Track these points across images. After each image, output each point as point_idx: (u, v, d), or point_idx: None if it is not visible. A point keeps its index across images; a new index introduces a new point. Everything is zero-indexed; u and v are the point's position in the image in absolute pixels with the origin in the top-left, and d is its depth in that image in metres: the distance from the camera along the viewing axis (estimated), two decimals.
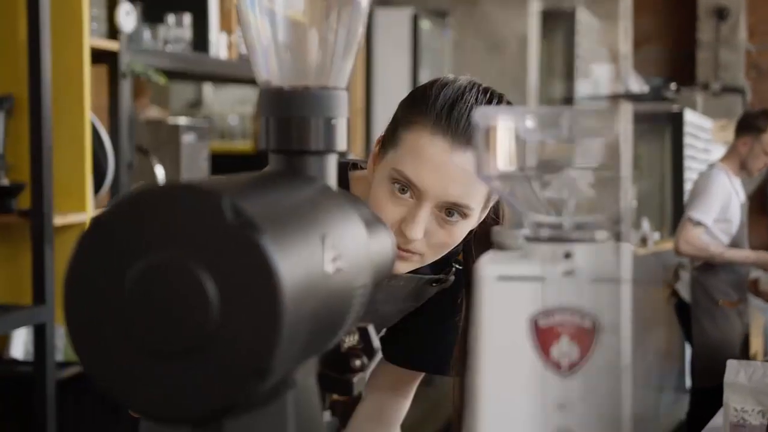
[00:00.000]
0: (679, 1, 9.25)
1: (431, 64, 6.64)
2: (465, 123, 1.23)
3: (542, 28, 6.33)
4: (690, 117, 7.02)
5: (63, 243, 2.44)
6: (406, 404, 1.50)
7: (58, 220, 2.43)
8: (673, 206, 7.08)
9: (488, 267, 0.69)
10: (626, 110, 0.70)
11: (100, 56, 2.66)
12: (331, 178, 0.82)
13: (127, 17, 2.67)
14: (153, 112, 3.73)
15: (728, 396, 1.89)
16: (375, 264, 0.80)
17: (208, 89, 5.87)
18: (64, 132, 2.49)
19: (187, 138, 3.02)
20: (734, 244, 4.28)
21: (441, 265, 1.39)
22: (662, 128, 6.85)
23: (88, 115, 2.52)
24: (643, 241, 5.93)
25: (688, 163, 6.95)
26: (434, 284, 1.41)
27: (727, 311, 4.31)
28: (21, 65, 2.42)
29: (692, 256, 4.29)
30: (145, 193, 0.62)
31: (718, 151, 8.17)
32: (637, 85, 5.62)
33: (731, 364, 1.96)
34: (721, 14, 9.15)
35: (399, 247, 1.25)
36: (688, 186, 6.95)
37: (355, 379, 0.84)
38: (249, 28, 0.83)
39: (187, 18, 3.07)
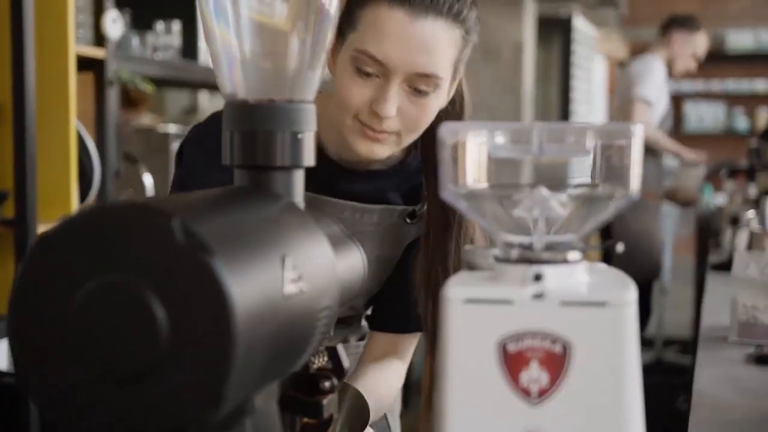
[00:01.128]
0: None
1: None
2: None
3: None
4: (579, 24, 7.10)
5: None
6: (404, 369, 1.46)
7: (43, 229, 2.39)
8: (560, 113, 7.20)
9: (455, 289, 0.67)
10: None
11: (86, 63, 2.63)
12: (298, 194, 0.79)
13: (114, 24, 2.65)
14: (146, 119, 3.70)
15: (737, 291, 1.71)
16: (342, 284, 0.77)
17: (203, 96, 5.85)
18: (49, 140, 2.46)
19: (178, 146, 2.99)
20: None
21: (413, 200, 1.38)
22: (551, 32, 6.95)
23: (74, 123, 2.49)
24: None
25: (572, 70, 7.10)
26: (408, 220, 1.38)
27: (648, 204, 4.35)
28: (5, 72, 2.39)
29: (658, 147, 4.37)
30: (95, 212, 0.60)
31: (599, 62, 8.39)
32: None
33: (740, 256, 1.78)
34: None
35: (373, 129, 1.24)
36: (575, 94, 7.12)
37: (325, 401, 0.81)
38: (214, 40, 0.80)
39: (176, 25, 3.05)
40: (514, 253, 0.68)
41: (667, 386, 4.47)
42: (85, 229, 0.59)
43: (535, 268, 0.66)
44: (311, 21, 0.81)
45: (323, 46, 0.81)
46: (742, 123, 9.99)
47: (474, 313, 0.66)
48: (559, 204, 0.67)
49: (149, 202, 0.60)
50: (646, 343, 5.33)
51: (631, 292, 0.65)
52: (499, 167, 0.67)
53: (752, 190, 4.09)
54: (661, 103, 4.45)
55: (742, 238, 2.88)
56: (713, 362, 1.63)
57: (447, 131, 0.68)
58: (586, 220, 0.68)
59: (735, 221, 3.17)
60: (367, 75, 1.22)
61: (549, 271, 0.66)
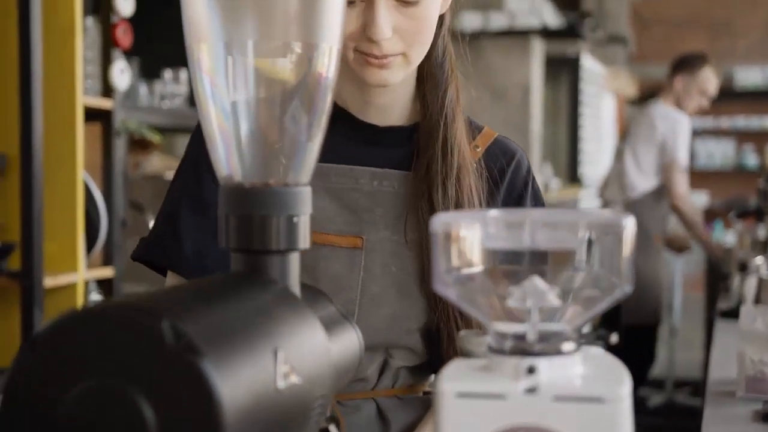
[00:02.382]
0: None
1: None
2: None
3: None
4: (586, 63, 7.13)
5: (54, 305, 2.41)
6: None
7: (49, 282, 2.40)
8: (569, 152, 7.20)
9: (448, 383, 0.66)
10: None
11: (94, 114, 2.65)
12: (293, 278, 0.79)
13: (122, 75, 2.67)
14: (156, 161, 3.71)
15: (743, 346, 1.68)
16: (337, 369, 0.77)
17: None
18: (57, 191, 2.47)
19: None
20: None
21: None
22: (559, 71, 6.98)
23: (81, 175, 2.50)
24: (545, 187, 6.07)
25: (581, 109, 7.14)
26: None
27: (658, 248, 4.37)
28: (13, 124, 2.40)
29: (686, 220, 4.44)
30: (84, 314, 0.60)
31: (608, 99, 8.47)
32: (552, 18, 5.68)
33: (746, 310, 1.74)
34: None
35: (375, 56, 1.18)
36: (583, 133, 7.14)
37: None
38: (209, 122, 0.80)
39: (183, 73, 3.07)
40: (508, 344, 0.68)
41: (679, 429, 4.44)
42: (75, 331, 0.59)
43: (528, 361, 0.66)
44: (307, 96, 0.81)
45: (322, 115, 0.81)
46: (751, 159, 9.99)
47: (467, 407, 0.65)
48: (552, 294, 0.67)
49: (140, 300, 0.60)
50: (656, 384, 5.29)
51: (625, 386, 0.65)
52: (493, 255, 0.67)
53: (761, 232, 4.08)
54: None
55: (751, 285, 2.86)
56: (721, 419, 1.62)
57: (439, 223, 0.68)
58: (579, 311, 0.68)
59: (743, 267, 3.15)
60: (351, 2, 1.17)
61: (542, 363, 0.66)
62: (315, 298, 0.82)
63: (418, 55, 1.22)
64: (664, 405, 5.15)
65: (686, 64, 4.59)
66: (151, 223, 2.82)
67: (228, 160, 0.80)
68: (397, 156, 1.31)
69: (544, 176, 6.35)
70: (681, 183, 4.38)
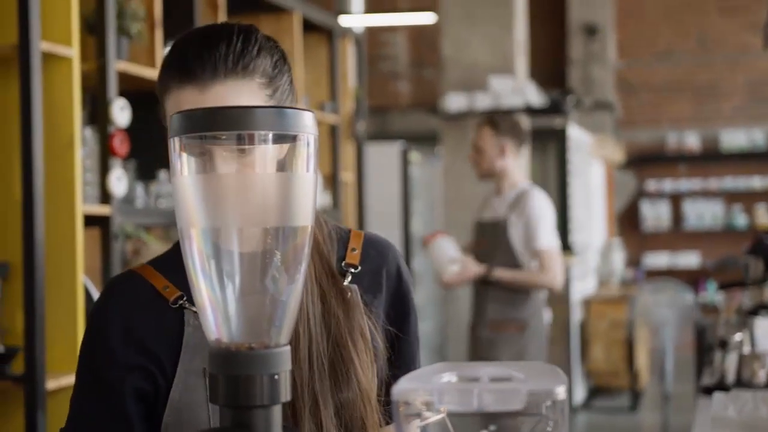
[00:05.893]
0: (548, 18, 9.58)
1: (422, 191, 6.80)
2: (206, 57, 1.20)
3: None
4: (573, 133, 7.28)
5: (56, 407, 2.50)
6: None
7: (51, 384, 2.49)
8: (560, 219, 7.31)
9: None
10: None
11: (93, 220, 2.77)
12: (276, 429, 0.89)
13: (119, 182, 2.79)
14: (154, 249, 3.80)
15: None
16: None
17: None
18: (58, 296, 2.57)
19: None
20: None
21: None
22: (546, 142, 7.12)
23: (81, 279, 2.61)
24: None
25: (569, 178, 7.27)
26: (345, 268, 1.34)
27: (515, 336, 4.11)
28: (15, 232, 2.52)
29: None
30: None
31: (597, 166, 8.62)
32: (536, 97, 5.81)
33: (718, 397, 1.79)
34: (590, 31, 9.50)
35: None
36: (572, 201, 7.26)
37: None
38: (200, 293, 0.91)
39: None
40: None
41: None
42: None
43: None
44: (286, 266, 0.92)
45: (298, 282, 0.92)
46: (741, 219, 10.14)
47: None
48: None
49: None
50: None
51: None
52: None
53: (746, 300, 4.16)
54: None
55: (732, 361, 2.94)
56: None
57: (397, 392, 0.78)
58: None
59: (724, 344, 3.24)
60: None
61: None
62: None
63: None
64: None
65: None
66: None
67: (216, 327, 0.91)
68: None
69: None
70: (557, 263, 4.09)
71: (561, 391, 0.77)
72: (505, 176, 4.04)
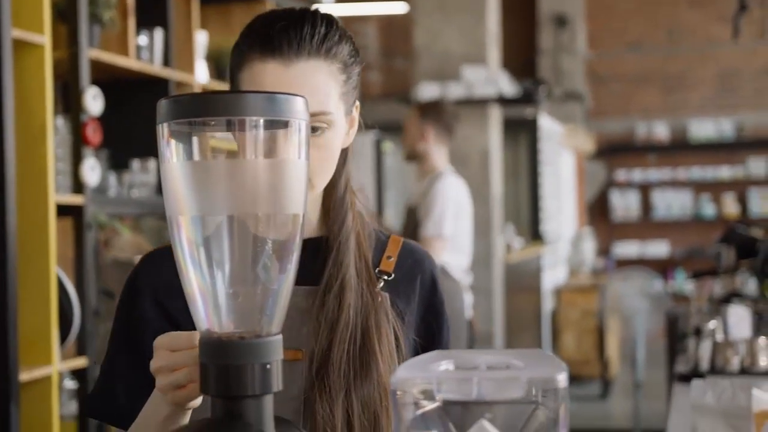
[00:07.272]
0: (519, 8, 9.63)
1: (395, 182, 6.79)
2: (292, 35, 1.23)
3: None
4: (544, 123, 7.33)
5: (29, 398, 2.47)
6: None
7: (25, 376, 2.46)
8: (530, 210, 7.39)
9: None
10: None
11: (65, 209, 2.73)
12: (268, 420, 0.88)
13: (92, 172, 2.76)
14: (126, 238, 3.76)
15: (696, 420, 1.69)
16: None
17: None
18: (30, 286, 2.54)
19: None
20: None
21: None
22: (518, 132, 7.17)
23: (54, 269, 2.57)
24: (508, 247, 6.15)
25: (540, 168, 7.33)
26: None
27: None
28: None
29: None
30: None
31: (567, 156, 8.69)
32: (508, 87, 5.84)
33: (696, 384, 1.76)
34: (560, 22, 9.56)
35: None
36: (543, 191, 7.33)
37: None
38: (190, 283, 0.89)
39: (152, 163, 3.16)
40: None
41: None
42: None
43: None
44: (278, 255, 0.91)
45: (290, 273, 0.91)
46: (709, 209, 10.22)
47: None
48: None
49: None
50: None
51: None
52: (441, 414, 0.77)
53: (717, 288, 4.18)
54: None
55: (706, 349, 2.96)
56: None
57: (395, 381, 0.77)
58: None
59: (698, 332, 3.26)
60: None
61: None
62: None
63: (321, 181, 1.27)
64: None
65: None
66: None
67: (207, 316, 0.89)
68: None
69: (507, 237, 6.48)
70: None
71: (561, 379, 0.76)
72: (425, 161, 4.09)
